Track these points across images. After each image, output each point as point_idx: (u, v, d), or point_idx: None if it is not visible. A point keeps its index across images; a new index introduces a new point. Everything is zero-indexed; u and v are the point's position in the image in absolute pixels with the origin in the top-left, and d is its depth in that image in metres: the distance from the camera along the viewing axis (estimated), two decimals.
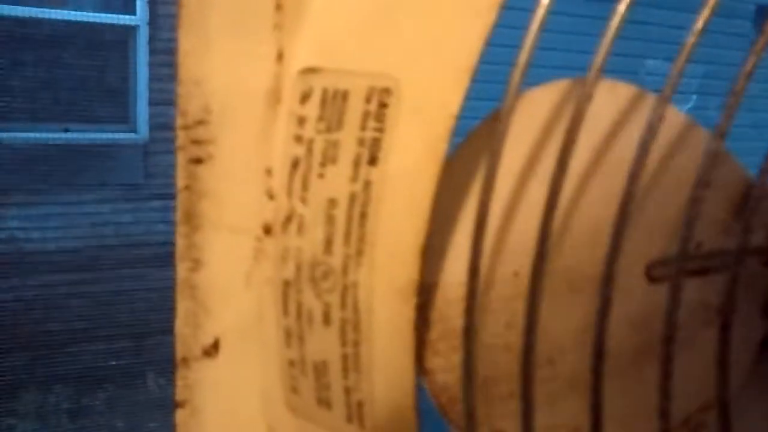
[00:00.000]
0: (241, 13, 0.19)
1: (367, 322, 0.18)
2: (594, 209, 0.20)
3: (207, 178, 0.19)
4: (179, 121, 0.18)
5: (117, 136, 2.30)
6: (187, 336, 0.20)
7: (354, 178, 0.17)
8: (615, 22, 0.16)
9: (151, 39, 2.25)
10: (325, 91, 0.18)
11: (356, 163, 0.17)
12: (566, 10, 2.28)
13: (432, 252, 0.19)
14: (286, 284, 0.19)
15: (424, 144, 0.17)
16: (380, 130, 0.17)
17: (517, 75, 0.15)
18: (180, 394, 0.20)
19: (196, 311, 0.20)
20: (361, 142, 0.17)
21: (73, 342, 2.24)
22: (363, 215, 0.18)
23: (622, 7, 0.16)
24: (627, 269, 0.20)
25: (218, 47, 0.18)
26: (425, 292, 0.19)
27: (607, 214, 0.18)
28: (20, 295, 2.22)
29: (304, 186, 0.18)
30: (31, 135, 2.18)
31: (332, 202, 0.18)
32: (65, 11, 2.16)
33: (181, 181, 0.19)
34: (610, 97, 0.20)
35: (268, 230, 0.19)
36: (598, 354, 0.18)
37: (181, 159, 0.18)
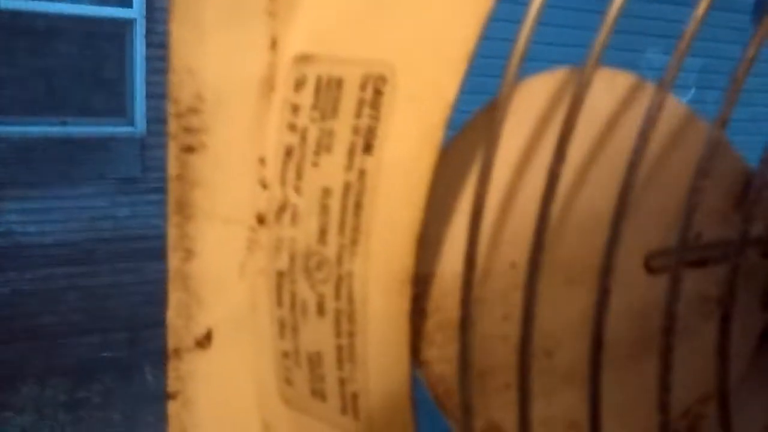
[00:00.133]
0: (234, 0, 0.18)
1: (362, 312, 0.18)
2: (592, 200, 0.20)
3: (199, 167, 0.18)
4: (171, 109, 0.18)
5: (114, 129, 2.29)
6: (179, 327, 0.20)
7: (349, 167, 0.17)
8: (616, 2, 0.15)
9: (148, 32, 2.24)
10: (319, 79, 0.17)
11: (351, 152, 0.17)
12: (564, 3, 2.27)
13: (428, 242, 0.19)
14: (280, 275, 0.19)
15: (420, 132, 0.17)
16: (375, 118, 0.17)
17: (515, 60, 0.15)
18: (172, 386, 0.20)
19: (189, 302, 0.20)
20: (355, 130, 0.17)
21: (69, 335, 2.25)
22: (358, 204, 0.17)
23: None
24: (625, 261, 0.20)
25: (211, 34, 0.17)
26: (421, 283, 0.19)
27: (606, 204, 0.18)
28: (17, 288, 2.22)
29: (298, 175, 0.18)
30: (28, 128, 2.18)
31: (326, 192, 0.18)
32: (62, 4, 2.15)
33: (173, 170, 0.18)
34: (608, 87, 0.20)
35: (261, 220, 0.19)
36: (597, 344, 0.17)
37: (173, 148, 0.18)
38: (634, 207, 0.19)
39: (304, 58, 0.17)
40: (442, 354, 0.20)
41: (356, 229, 0.18)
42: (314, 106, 0.17)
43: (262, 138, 0.18)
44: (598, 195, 0.20)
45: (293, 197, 0.18)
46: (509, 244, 0.20)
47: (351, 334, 0.18)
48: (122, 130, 2.30)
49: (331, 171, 0.17)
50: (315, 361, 0.19)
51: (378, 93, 0.17)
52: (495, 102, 0.17)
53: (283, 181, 0.18)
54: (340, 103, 0.17)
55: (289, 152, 0.18)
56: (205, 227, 0.19)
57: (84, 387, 2.14)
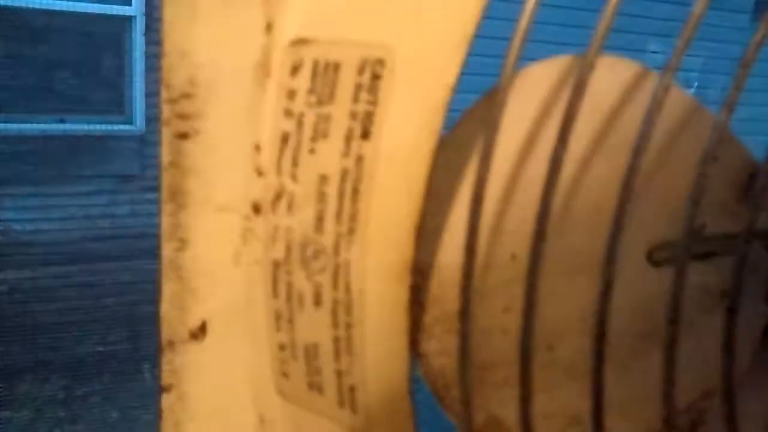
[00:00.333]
0: None
1: (360, 303, 0.18)
2: (595, 190, 0.19)
3: (193, 155, 0.18)
4: (164, 95, 0.17)
5: (113, 127, 2.29)
6: (173, 319, 0.19)
7: (346, 153, 0.17)
8: None
9: (147, 29, 2.24)
10: (316, 63, 0.17)
11: (348, 138, 0.17)
12: (563, 3, 2.27)
13: (427, 232, 0.18)
14: (276, 265, 0.18)
15: (419, 116, 0.16)
16: (373, 102, 0.16)
17: (517, 41, 0.15)
18: (166, 379, 0.20)
19: (183, 293, 0.19)
20: (353, 115, 0.17)
21: (67, 333, 2.24)
22: (355, 192, 0.17)
23: None
24: (628, 254, 0.19)
25: (205, 16, 0.17)
26: (420, 274, 0.19)
27: (609, 195, 0.18)
28: (15, 286, 2.22)
29: (295, 162, 0.18)
30: (27, 126, 2.17)
31: (323, 179, 0.17)
32: (61, 1, 2.15)
33: (166, 158, 0.18)
34: (612, 74, 0.19)
35: (257, 209, 0.18)
36: (600, 337, 0.17)
37: (166, 134, 0.18)
38: (637, 198, 0.18)
39: (300, 42, 0.17)
40: (441, 347, 0.20)
41: (354, 218, 0.17)
42: (311, 91, 0.17)
43: (258, 124, 0.18)
44: (601, 186, 0.19)
45: (289, 185, 0.18)
46: (510, 235, 0.19)
47: (348, 325, 0.18)
48: (121, 127, 2.29)
49: (328, 157, 0.17)
50: (312, 353, 0.19)
51: (376, 77, 0.16)
52: (495, 88, 0.16)
53: (279, 169, 0.18)
54: (337, 88, 0.17)
55: (285, 138, 0.17)
56: (199, 216, 0.19)
57: (82, 385, 2.14)
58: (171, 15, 0.17)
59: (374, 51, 0.16)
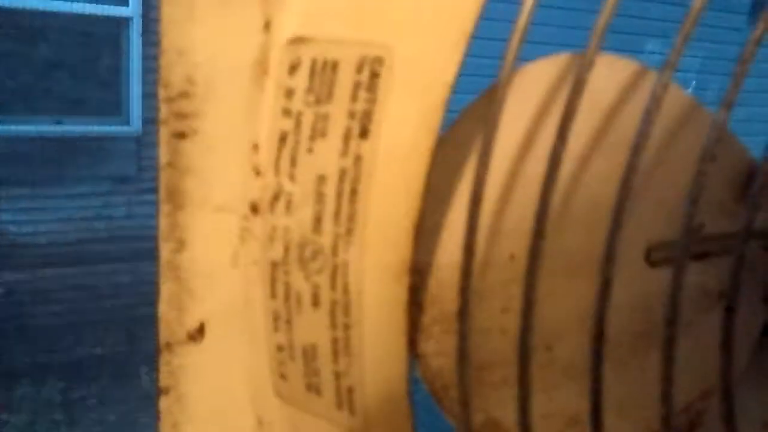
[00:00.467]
0: None
1: (358, 303, 0.17)
2: (593, 188, 0.19)
3: (191, 154, 0.18)
4: (161, 93, 0.17)
5: (110, 128, 2.29)
6: (170, 320, 0.19)
7: (344, 153, 0.17)
8: None
9: (144, 31, 2.24)
10: (314, 62, 0.17)
11: (346, 137, 0.17)
12: (563, 3, 2.27)
13: (425, 231, 0.18)
14: (274, 265, 0.18)
15: (418, 115, 0.16)
16: (372, 101, 0.16)
17: (515, 38, 0.15)
18: (164, 381, 0.20)
19: (180, 294, 0.19)
20: (351, 114, 0.17)
21: (65, 336, 2.24)
22: (353, 192, 0.17)
23: None
24: (626, 253, 0.19)
25: (202, 14, 0.17)
26: (418, 274, 0.19)
27: (607, 194, 0.18)
28: (12, 288, 2.21)
29: (293, 162, 0.17)
30: (24, 127, 2.17)
31: (321, 179, 0.17)
32: (58, 2, 2.14)
33: (163, 157, 0.18)
34: (610, 72, 0.19)
35: (255, 209, 0.18)
36: (598, 337, 0.17)
37: (163, 134, 0.18)
38: (635, 197, 0.18)
39: (298, 40, 0.17)
40: (439, 347, 0.19)
41: (352, 218, 0.17)
42: (309, 90, 0.17)
43: (256, 123, 0.18)
44: (599, 184, 0.19)
45: (287, 185, 0.18)
46: (508, 235, 0.19)
47: (346, 326, 0.18)
48: (118, 129, 2.29)
49: (327, 157, 0.17)
50: (310, 354, 0.19)
51: (374, 75, 0.16)
52: (494, 86, 0.16)
53: (277, 168, 0.18)
54: (336, 87, 0.17)
55: (283, 138, 0.17)
56: (196, 216, 0.18)
57: (79, 388, 2.13)
58: (169, 13, 0.17)
59: (373, 49, 0.16)
